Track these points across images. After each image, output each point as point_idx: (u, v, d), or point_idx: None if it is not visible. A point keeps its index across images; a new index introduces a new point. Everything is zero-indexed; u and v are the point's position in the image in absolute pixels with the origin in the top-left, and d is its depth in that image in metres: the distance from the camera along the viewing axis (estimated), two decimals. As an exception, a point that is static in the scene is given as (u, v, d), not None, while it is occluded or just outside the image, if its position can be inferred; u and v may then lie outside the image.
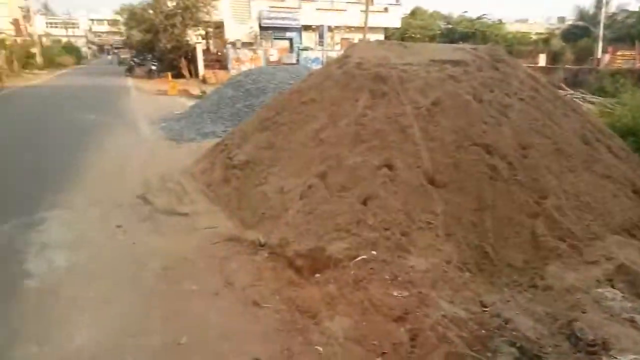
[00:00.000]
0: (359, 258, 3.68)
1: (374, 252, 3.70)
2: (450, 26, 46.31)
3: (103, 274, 3.68)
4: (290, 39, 33.19)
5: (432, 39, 42.88)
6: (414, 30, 42.55)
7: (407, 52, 5.15)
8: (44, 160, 7.49)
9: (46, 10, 77.40)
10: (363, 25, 31.10)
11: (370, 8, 31.29)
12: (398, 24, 36.83)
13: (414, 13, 47.42)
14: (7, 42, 29.17)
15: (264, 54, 30.10)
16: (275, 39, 32.81)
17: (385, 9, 34.89)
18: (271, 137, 5.21)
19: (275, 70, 11.24)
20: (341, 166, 4.32)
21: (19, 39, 37.42)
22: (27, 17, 49.35)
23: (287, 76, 10.65)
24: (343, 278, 3.52)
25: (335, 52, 29.17)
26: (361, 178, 4.17)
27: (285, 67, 12.13)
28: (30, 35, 45.62)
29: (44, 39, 53.82)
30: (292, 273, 3.69)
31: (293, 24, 32.42)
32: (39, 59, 38.87)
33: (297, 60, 29.77)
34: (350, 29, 31.79)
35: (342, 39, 33.07)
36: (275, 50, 31.39)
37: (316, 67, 27.26)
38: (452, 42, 42.72)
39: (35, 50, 39.46)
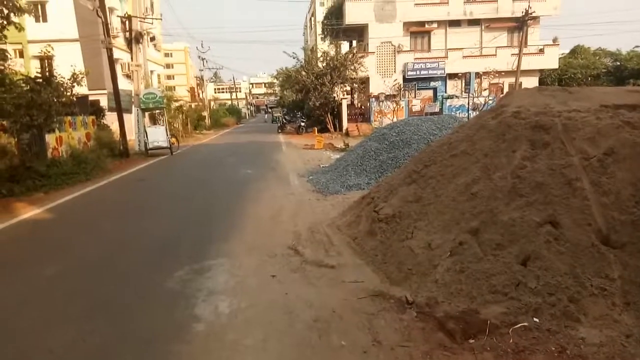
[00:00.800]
0: (520, 325, 3.34)
1: (536, 320, 3.36)
2: (618, 63, 41.76)
3: (260, 322, 3.88)
4: (435, 88, 33.14)
5: (596, 78, 39.07)
6: (574, 70, 39.27)
7: (572, 98, 4.69)
8: (209, 210, 8.39)
9: (216, 78, 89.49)
10: (514, 69, 29.73)
11: (524, 50, 29.91)
12: (555, 65, 34.36)
13: (574, 52, 44.02)
14: (184, 108, 34.25)
15: (406, 104, 30.44)
16: (419, 89, 33.09)
17: (541, 50, 32.92)
18: (419, 190, 5.11)
19: (420, 121, 11.20)
20: (496, 222, 4.02)
21: (193, 104, 43.78)
22: (200, 84, 57.67)
23: (433, 127, 10.52)
24: (501, 346, 3.21)
25: (483, 99, 28.20)
26: (520, 235, 3.83)
27: (431, 117, 12.00)
28: (202, 100, 53.08)
29: (212, 103, 62.13)
30: (443, 335, 3.46)
31: (438, 73, 32.41)
32: (207, 121, 44.78)
33: (441, 109, 29.46)
34: (500, 73, 30.59)
35: (491, 84, 31.93)
36: (418, 100, 31.57)
37: (462, 114, 26.67)
38: (621, 80, 38.32)
39: (205, 113, 45.64)
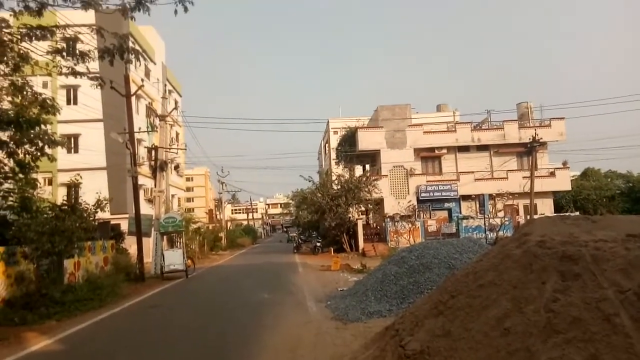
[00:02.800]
0: None
1: None
2: (630, 184, 42.45)
3: None
4: (449, 209, 33.45)
5: (611, 199, 39.48)
6: (587, 192, 39.82)
7: (597, 227, 4.65)
8: (224, 343, 8.03)
9: (233, 199, 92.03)
10: (527, 191, 30.16)
11: (535, 173, 30.63)
12: (568, 187, 34.86)
13: (585, 174, 45.09)
14: (202, 230, 34.78)
15: (422, 225, 30.52)
16: (433, 209, 33.42)
17: (552, 173, 33.68)
18: (447, 323, 4.86)
19: (439, 244, 11.11)
20: (535, 362, 3.73)
21: (210, 226, 44.53)
22: (218, 206, 59.25)
23: (452, 250, 10.39)
24: None
25: (499, 219, 28.23)
26: (563, 378, 3.52)
27: (449, 240, 11.93)
28: (219, 221, 54.10)
29: (229, 223, 63.18)
30: None
31: (451, 194, 32.98)
32: (224, 241, 45.07)
33: (457, 229, 29.43)
34: (513, 195, 30.99)
35: (505, 205, 32.17)
36: (433, 221, 31.71)
37: (479, 235, 26.48)
38: (636, 201, 38.54)
39: (222, 234, 46.15)
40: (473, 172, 33.47)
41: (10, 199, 13.37)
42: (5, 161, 12.62)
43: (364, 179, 29.93)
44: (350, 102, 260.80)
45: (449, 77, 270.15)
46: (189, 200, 65.21)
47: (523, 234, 4.98)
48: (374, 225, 32.82)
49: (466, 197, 33.50)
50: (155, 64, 37.66)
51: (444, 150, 34.26)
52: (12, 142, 12.44)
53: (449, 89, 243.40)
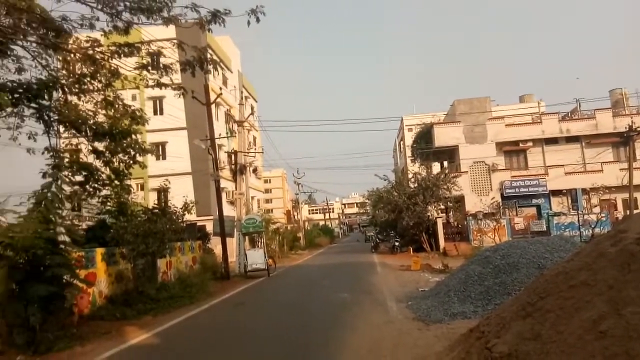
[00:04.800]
0: None
1: None
2: None
3: None
4: (538, 205, 31.47)
5: None
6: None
7: None
8: (306, 340, 8.19)
9: (310, 200, 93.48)
10: (626, 184, 27.64)
11: (635, 164, 28.05)
12: (674, 179, 31.41)
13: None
14: (281, 230, 35.75)
15: (508, 222, 29.06)
16: (520, 206, 31.63)
17: (654, 164, 30.57)
18: (536, 325, 4.58)
19: (526, 243, 10.48)
20: (637, 368, 3.41)
21: (289, 226, 45.69)
22: (295, 207, 60.56)
23: (542, 249, 9.75)
24: None
25: (595, 216, 26.18)
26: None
27: (538, 239, 11.23)
28: (297, 221, 55.30)
29: (306, 224, 64.35)
30: None
31: (539, 190, 31.00)
32: (302, 241, 46.00)
33: (547, 227, 27.66)
34: (609, 189, 28.50)
35: (601, 200, 29.69)
36: (520, 218, 30.09)
37: (572, 232, 24.68)
38: None
39: (300, 234, 47.13)
40: (563, 165, 31.21)
41: (109, 204, 14.67)
42: (102, 169, 13.80)
43: (442, 176, 29.03)
44: (424, 100, 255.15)
45: (531, 67, 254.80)
46: (267, 201, 67.23)
47: (619, 231, 4.58)
48: (455, 223, 31.71)
49: (556, 193, 31.26)
50: (231, 72, 39.31)
51: (529, 143, 32.27)
52: (107, 152, 13.60)
53: (532, 79, 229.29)
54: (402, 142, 56.53)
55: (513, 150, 32.56)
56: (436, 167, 37.42)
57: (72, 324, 9.33)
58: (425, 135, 35.58)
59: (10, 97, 9.90)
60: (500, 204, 30.68)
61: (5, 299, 8.08)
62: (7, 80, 10.91)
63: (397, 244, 30.67)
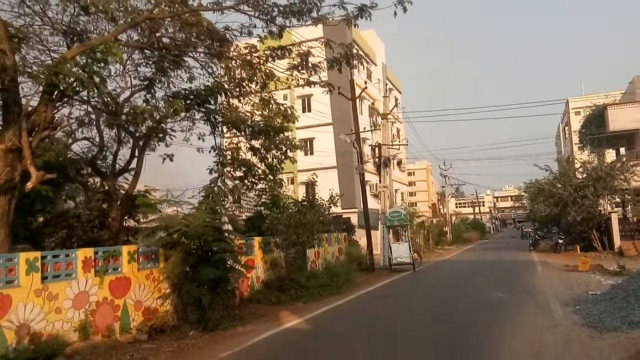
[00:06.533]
0: None
1: None
2: None
3: None
4: None
5: None
6: None
7: None
8: (461, 335, 7.78)
9: (457, 193, 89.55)
10: None
11: None
12: None
13: None
14: (426, 224, 34.80)
15: None
16: None
17: None
18: None
19: None
20: None
21: (434, 220, 44.32)
22: (441, 200, 58.54)
23: None
24: None
25: None
26: None
27: None
28: (442, 215, 53.41)
29: (453, 218, 61.66)
30: None
31: None
32: (449, 236, 44.21)
33: None
34: None
35: None
36: None
37: None
38: None
39: (446, 228, 45.37)
40: None
41: (264, 196, 15.89)
42: (258, 165, 14.94)
43: (619, 164, 25.22)
44: (594, 78, 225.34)
45: None
46: (411, 194, 66.06)
47: None
48: (634, 219, 27.30)
49: None
50: (375, 65, 39.41)
51: None
52: (262, 149, 14.65)
53: None
54: (567, 128, 50.73)
55: None
56: (610, 155, 32.78)
57: (234, 305, 10.24)
58: (596, 118, 31.53)
59: (183, 103, 11.22)
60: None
61: (182, 280, 9.20)
62: (181, 88, 12.41)
63: (560, 241, 27.59)
